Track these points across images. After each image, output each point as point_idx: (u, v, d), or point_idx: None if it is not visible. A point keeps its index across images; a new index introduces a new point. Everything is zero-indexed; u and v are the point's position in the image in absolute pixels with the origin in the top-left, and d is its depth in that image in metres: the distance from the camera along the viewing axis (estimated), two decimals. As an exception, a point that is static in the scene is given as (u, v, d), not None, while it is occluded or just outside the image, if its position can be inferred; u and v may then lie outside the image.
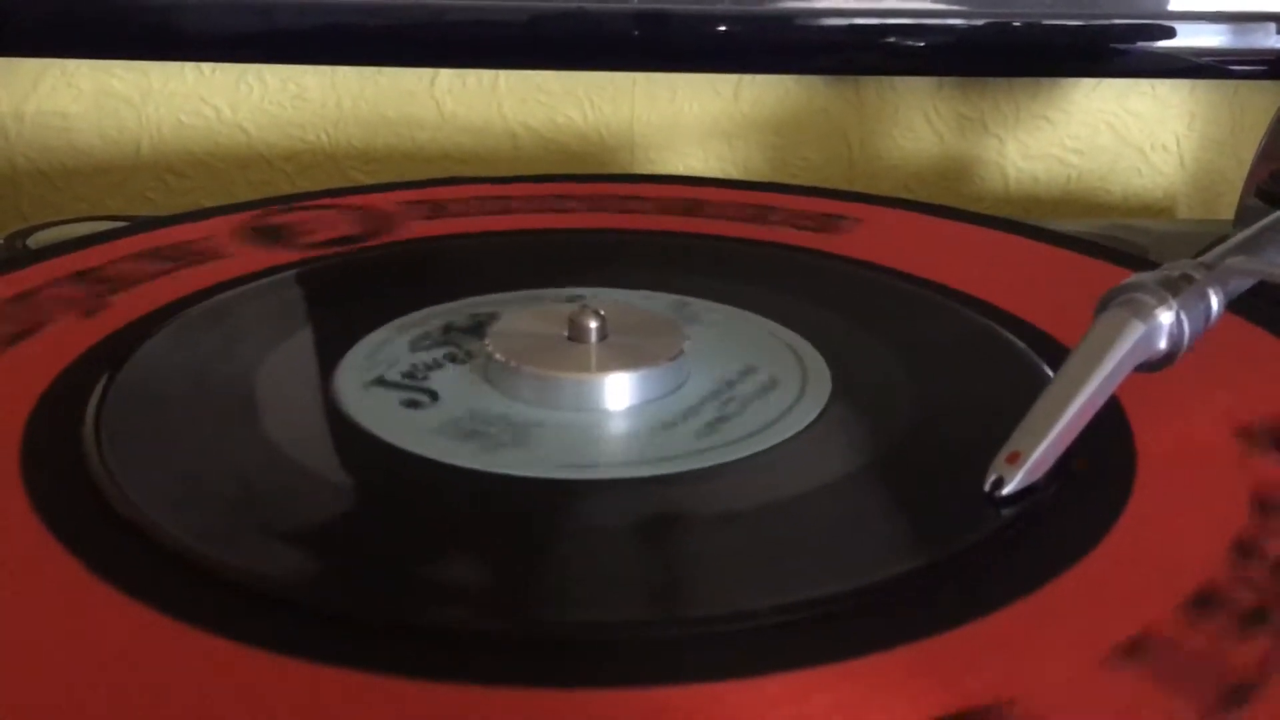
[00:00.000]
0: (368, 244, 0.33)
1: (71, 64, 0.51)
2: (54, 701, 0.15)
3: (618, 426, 0.23)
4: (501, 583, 0.19)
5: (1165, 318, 0.22)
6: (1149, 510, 0.20)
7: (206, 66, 0.52)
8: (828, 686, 0.16)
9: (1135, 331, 0.22)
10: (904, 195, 0.51)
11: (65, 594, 0.17)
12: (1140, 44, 0.52)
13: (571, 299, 0.28)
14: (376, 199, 0.37)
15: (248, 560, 0.19)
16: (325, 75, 0.52)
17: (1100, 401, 0.21)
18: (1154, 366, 0.23)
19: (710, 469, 0.22)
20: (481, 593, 0.19)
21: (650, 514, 0.21)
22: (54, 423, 0.23)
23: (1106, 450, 0.22)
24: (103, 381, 0.24)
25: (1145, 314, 0.22)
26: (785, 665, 0.16)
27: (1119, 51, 0.52)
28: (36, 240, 0.39)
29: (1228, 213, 0.55)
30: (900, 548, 0.20)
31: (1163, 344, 0.22)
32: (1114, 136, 0.55)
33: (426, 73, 0.52)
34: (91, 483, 0.20)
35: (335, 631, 0.17)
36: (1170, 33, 0.51)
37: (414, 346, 0.26)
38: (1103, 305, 0.23)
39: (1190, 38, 0.52)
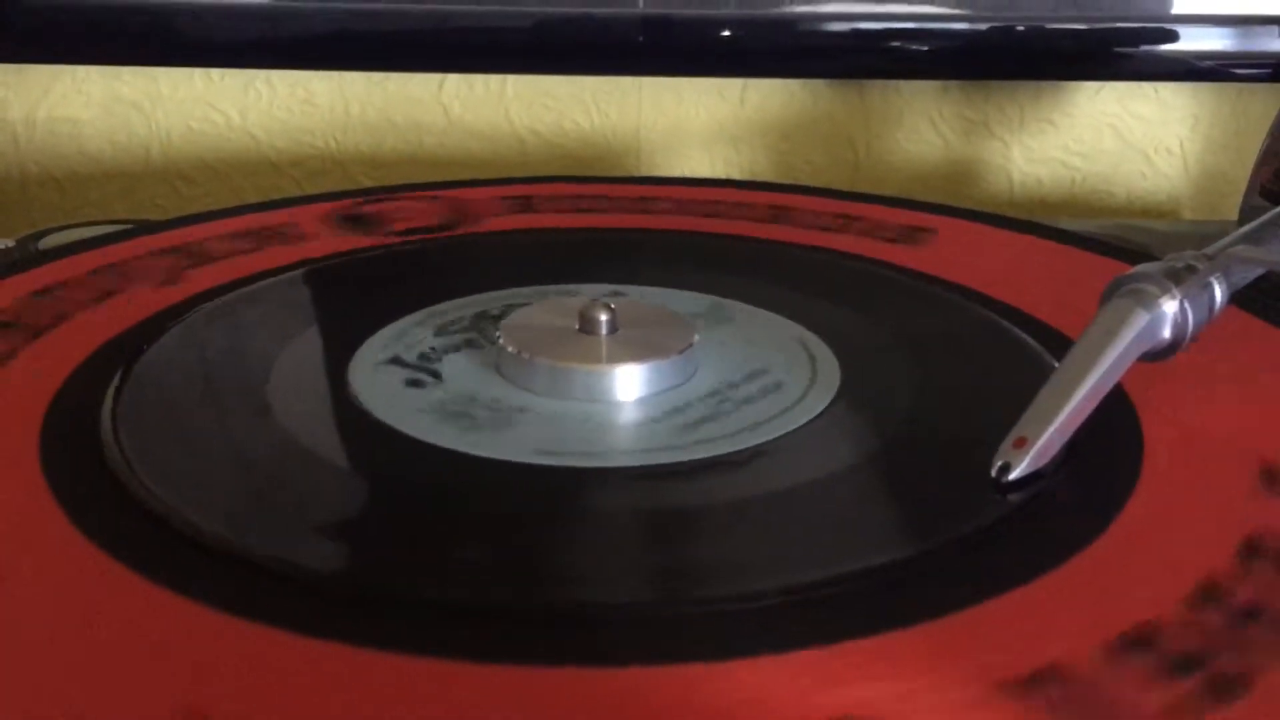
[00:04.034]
0: (446, 234, 0.35)
1: (81, 70, 0.52)
2: (67, 681, 0.15)
3: (600, 418, 0.23)
4: (441, 558, 0.19)
5: (1169, 307, 0.22)
6: (1155, 499, 0.21)
7: (215, 72, 0.52)
8: (820, 668, 0.16)
9: (1140, 320, 0.22)
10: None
11: (77, 571, 0.18)
12: (1143, 47, 0.52)
13: (615, 294, 0.28)
14: (469, 193, 0.39)
15: (214, 525, 0.19)
16: (333, 81, 0.52)
17: (1105, 389, 0.22)
18: (1158, 356, 0.23)
19: (660, 465, 0.22)
20: (431, 568, 0.19)
21: (600, 503, 0.21)
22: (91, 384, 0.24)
23: (1114, 438, 0.22)
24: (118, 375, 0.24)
25: (1149, 303, 0.22)
26: (773, 647, 0.16)
27: (1121, 55, 0.52)
28: (47, 244, 0.39)
29: (1231, 215, 0.56)
30: (902, 534, 0.21)
31: (1167, 333, 0.23)
32: (1118, 140, 0.55)
33: (434, 78, 0.53)
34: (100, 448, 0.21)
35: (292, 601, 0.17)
36: (1173, 36, 0.52)
37: (440, 331, 0.27)
38: (1108, 294, 0.23)
39: (1193, 41, 0.52)
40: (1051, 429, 0.21)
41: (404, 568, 0.19)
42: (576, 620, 0.17)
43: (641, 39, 0.50)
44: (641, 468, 0.22)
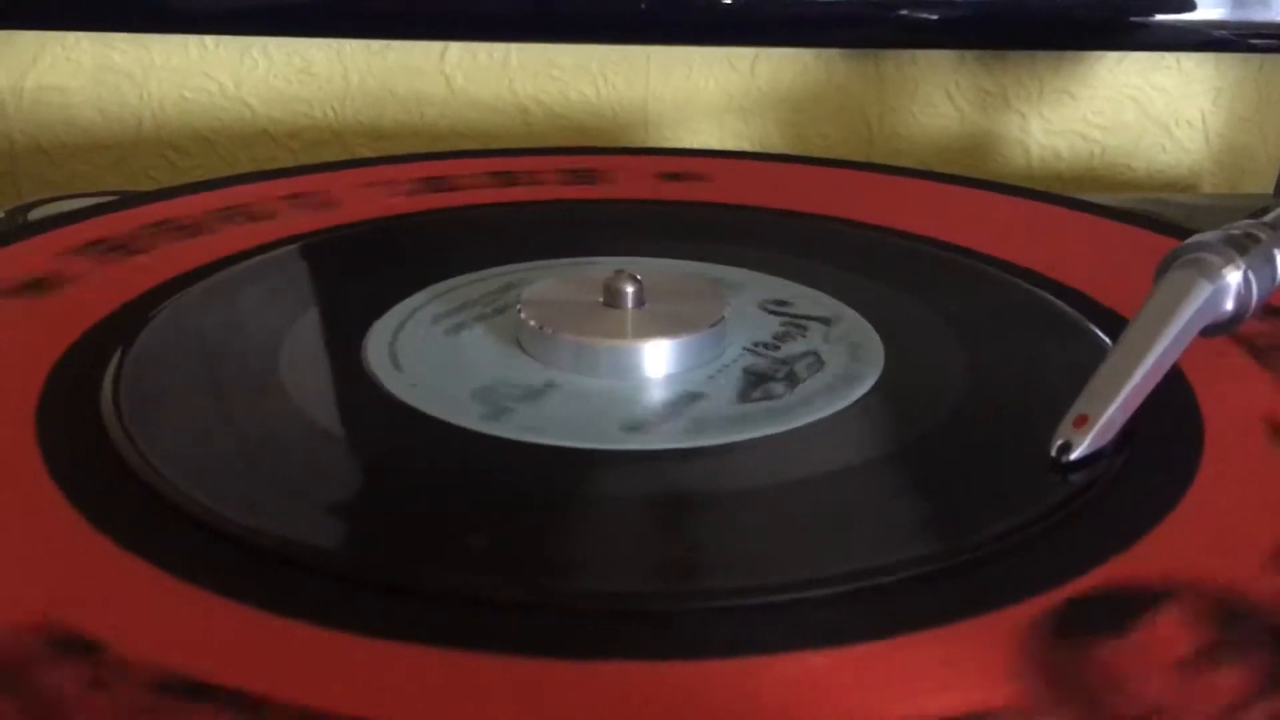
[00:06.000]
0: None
1: (71, 37, 0.50)
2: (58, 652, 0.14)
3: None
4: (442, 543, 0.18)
5: (1233, 277, 0.21)
6: (1220, 478, 0.19)
7: (210, 40, 0.51)
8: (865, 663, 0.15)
9: (1203, 291, 0.21)
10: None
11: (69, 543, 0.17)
12: (1156, 17, 0.50)
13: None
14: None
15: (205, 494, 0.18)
16: (332, 49, 0.51)
17: (1168, 364, 0.20)
18: (1219, 330, 0.22)
19: (693, 449, 0.20)
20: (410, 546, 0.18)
21: (583, 486, 0.20)
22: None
23: (1173, 418, 0.21)
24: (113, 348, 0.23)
25: (1212, 273, 0.21)
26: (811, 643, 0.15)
27: (1134, 24, 0.51)
28: (36, 216, 0.38)
29: (1253, 188, 0.54)
30: (956, 521, 0.19)
31: (1230, 305, 0.21)
32: (1138, 112, 0.53)
33: (436, 47, 0.51)
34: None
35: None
36: (1188, 5, 0.50)
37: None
38: (1165, 265, 0.22)
39: (1209, 11, 0.51)
40: (1114, 406, 0.19)
41: (409, 553, 0.18)
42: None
43: (644, 6, 0.49)
44: (674, 450, 0.20)
